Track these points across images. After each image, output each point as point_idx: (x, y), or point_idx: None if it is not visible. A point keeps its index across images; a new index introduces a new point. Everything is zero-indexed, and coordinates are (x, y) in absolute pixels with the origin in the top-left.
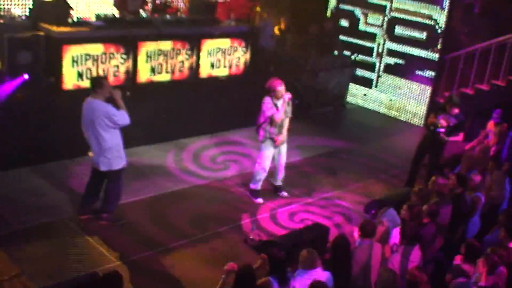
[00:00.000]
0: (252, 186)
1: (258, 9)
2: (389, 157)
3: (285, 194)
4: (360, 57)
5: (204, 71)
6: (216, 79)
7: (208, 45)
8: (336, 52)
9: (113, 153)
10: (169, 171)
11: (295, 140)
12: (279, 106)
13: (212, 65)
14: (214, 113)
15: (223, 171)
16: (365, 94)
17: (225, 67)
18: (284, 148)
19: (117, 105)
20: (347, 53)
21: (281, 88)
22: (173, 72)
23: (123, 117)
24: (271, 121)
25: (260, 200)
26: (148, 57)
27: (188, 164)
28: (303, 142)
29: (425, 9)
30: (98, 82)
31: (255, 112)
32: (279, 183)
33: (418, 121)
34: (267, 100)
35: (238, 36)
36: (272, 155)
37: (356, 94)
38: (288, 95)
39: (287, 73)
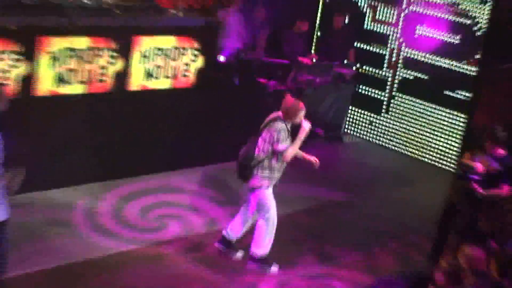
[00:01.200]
0: (260, 252)
1: None
2: (404, 216)
3: (239, 255)
4: (366, 68)
5: (136, 82)
6: (153, 94)
7: (144, 44)
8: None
9: None
10: (78, 230)
11: None
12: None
13: (148, 74)
14: (148, 145)
15: (159, 231)
16: (371, 122)
17: (167, 77)
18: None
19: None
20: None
21: (303, 112)
22: (89, 82)
23: None
24: (276, 157)
25: (275, 269)
26: (53, 59)
27: (107, 220)
28: (280, 190)
29: (459, 1)
30: None
31: (212, 144)
32: (233, 236)
33: (447, 163)
34: (281, 127)
35: (188, 33)
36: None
37: (358, 122)
38: (309, 124)
39: (252, 90)
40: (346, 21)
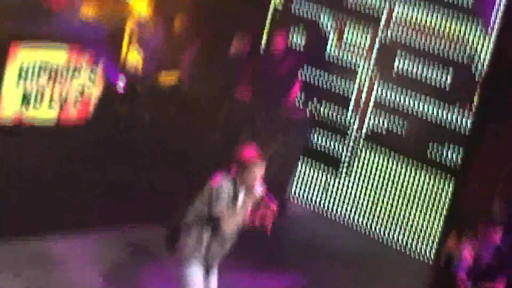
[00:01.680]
0: None
1: None
2: None
3: None
4: (323, 111)
5: (9, 110)
6: (33, 128)
7: (23, 56)
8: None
9: None
10: None
11: None
12: (241, 200)
13: (25, 99)
14: (21, 198)
15: None
16: (326, 184)
17: (51, 105)
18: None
19: None
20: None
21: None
22: None
23: None
24: (215, 226)
25: None
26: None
27: None
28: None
29: (453, 25)
30: None
31: (114, 202)
32: None
33: (425, 248)
34: (225, 184)
35: (86, 45)
36: None
37: (309, 183)
38: (262, 189)
39: (176, 131)
40: (298, 40)
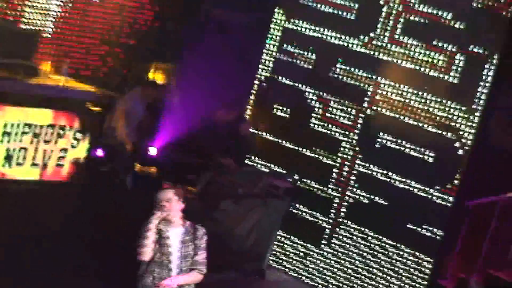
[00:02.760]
0: None
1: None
2: None
3: None
4: (306, 182)
5: None
6: (13, 187)
7: (7, 116)
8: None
9: None
10: None
11: None
12: (170, 241)
13: (8, 158)
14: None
15: None
16: (305, 256)
17: (34, 165)
18: None
19: None
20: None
21: (174, 203)
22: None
23: None
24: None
25: None
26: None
27: None
28: None
29: (438, 106)
30: None
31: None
32: None
33: None
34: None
35: (71, 108)
36: None
37: (289, 253)
38: (189, 223)
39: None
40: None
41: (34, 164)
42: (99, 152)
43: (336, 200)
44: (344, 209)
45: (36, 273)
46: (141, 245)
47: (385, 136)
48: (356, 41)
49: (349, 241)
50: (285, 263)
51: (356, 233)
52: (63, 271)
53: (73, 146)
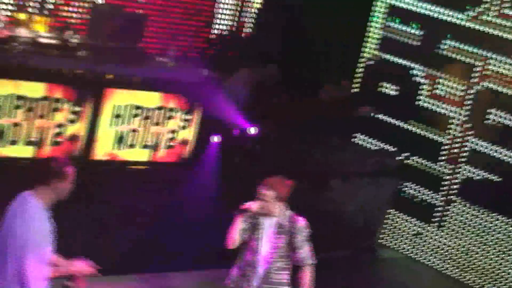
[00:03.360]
0: None
1: None
2: None
3: None
4: (416, 159)
5: (102, 149)
6: (125, 168)
7: (118, 99)
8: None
9: None
10: None
11: None
12: (263, 229)
13: (119, 140)
14: (118, 236)
15: None
16: (417, 234)
17: (145, 146)
18: None
19: None
20: (387, 147)
21: (271, 193)
22: (39, 145)
23: None
24: (244, 253)
25: None
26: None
27: None
28: None
29: None
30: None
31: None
32: None
33: None
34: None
35: (180, 90)
36: None
37: (400, 231)
38: (288, 214)
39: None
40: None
41: (145, 146)
42: (214, 138)
43: (447, 177)
44: (455, 186)
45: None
46: (229, 232)
47: (496, 111)
48: (463, 16)
49: (461, 218)
50: (396, 241)
51: (469, 210)
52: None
53: (182, 127)
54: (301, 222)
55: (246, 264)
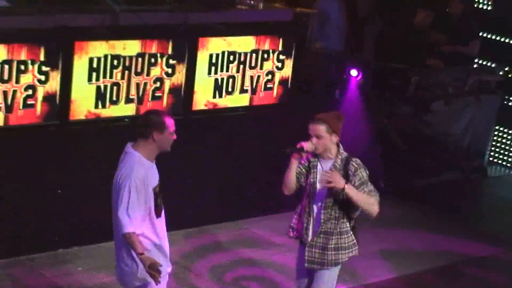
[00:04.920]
0: None
1: None
2: None
3: None
4: None
5: (202, 100)
6: (227, 115)
7: (212, 48)
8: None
9: None
10: None
11: (380, 239)
12: (318, 172)
13: (217, 88)
14: (218, 185)
15: None
16: None
17: (244, 91)
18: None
19: None
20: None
21: (323, 127)
22: (139, 101)
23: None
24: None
25: None
26: (91, 70)
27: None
28: (398, 243)
29: None
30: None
31: None
32: None
33: None
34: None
35: (271, 32)
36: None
37: (509, 148)
38: (343, 156)
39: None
40: None
41: (243, 91)
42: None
43: None
44: None
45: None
46: (284, 177)
47: None
48: None
49: None
50: (506, 158)
51: None
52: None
53: (278, 68)
54: (356, 163)
55: (303, 211)
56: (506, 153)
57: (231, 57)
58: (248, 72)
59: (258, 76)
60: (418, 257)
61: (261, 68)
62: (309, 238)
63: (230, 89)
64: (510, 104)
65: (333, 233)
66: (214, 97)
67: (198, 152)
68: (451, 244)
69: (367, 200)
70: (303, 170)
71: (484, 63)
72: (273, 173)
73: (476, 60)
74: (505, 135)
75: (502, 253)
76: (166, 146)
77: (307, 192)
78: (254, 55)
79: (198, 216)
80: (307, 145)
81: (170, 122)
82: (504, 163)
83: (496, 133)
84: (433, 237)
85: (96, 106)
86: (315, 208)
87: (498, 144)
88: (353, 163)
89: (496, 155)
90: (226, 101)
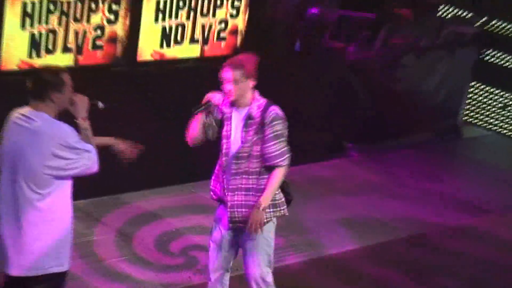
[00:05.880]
0: None
1: None
2: None
3: None
4: (497, 24)
5: (148, 50)
6: (174, 67)
7: None
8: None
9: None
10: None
11: (341, 207)
12: (231, 123)
13: (165, 37)
14: (165, 146)
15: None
16: (505, 106)
17: (194, 41)
18: (252, 242)
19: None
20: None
21: (237, 73)
22: (78, 51)
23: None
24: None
25: None
26: (24, 16)
27: (111, 255)
28: (364, 209)
29: None
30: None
31: None
32: None
33: None
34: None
35: None
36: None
37: (485, 105)
38: (260, 103)
39: (330, 58)
40: None
41: (193, 40)
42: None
43: None
44: None
45: None
46: (188, 128)
47: None
48: None
49: None
50: (482, 117)
51: None
52: None
53: (232, 16)
54: (274, 112)
55: (219, 168)
56: (482, 112)
57: (180, 3)
58: (200, 20)
59: (210, 25)
60: (383, 226)
61: (214, 15)
62: (229, 198)
63: (179, 39)
64: (486, 58)
65: (254, 189)
66: (162, 46)
67: (142, 108)
68: (420, 212)
69: (279, 182)
70: (214, 123)
71: (459, 13)
72: None
73: (450, 10)
74: (481, 92)
75: (478, 222)
76: (66, 106)
77: (221, 147)
78: (206, 1)
79: (141, 179)
80: (214, 97)
81: (67, 78)
82: (480, 123)
83: (471, 90)
84: (400, 204)
85: (30, 56)
86: (230, 163)
87: (474, 102)
88: (271, 113)
89: (472, 114)
90: (175, 52)
